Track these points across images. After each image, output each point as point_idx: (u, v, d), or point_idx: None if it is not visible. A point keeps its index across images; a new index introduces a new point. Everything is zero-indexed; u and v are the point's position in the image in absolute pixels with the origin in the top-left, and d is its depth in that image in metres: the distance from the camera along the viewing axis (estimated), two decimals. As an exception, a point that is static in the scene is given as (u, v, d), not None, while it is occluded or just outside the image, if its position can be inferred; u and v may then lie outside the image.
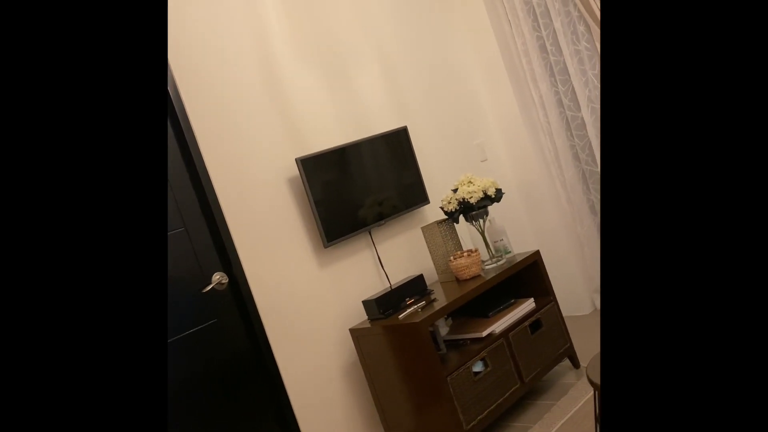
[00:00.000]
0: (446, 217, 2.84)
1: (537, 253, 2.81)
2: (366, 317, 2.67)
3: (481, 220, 2.77)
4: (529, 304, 2.72)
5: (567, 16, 3.20)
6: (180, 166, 2.42)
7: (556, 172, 3.48)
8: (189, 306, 2.34)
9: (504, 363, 2.53)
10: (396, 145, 2.95)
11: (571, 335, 3.27)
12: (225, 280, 2.43)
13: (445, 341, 2.67)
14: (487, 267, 2.79)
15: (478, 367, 2.45)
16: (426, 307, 2.46)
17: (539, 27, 3.33)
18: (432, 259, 2.83)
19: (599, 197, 3.42)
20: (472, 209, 2.73)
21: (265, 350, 2.46)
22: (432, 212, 3.18)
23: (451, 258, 2.70)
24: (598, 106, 3.24)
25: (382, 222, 2.82)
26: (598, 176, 3.38)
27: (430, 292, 2.66)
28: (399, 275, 2.94)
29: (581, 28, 3.16)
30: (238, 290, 2.45)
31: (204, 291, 2.39)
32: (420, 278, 2.66)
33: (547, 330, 2.74)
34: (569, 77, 3.31)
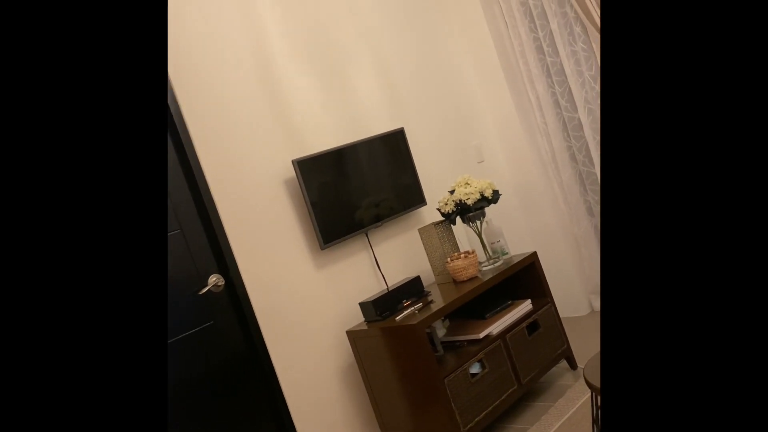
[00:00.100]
0: (443, 218, 2.84)
1: (534, 255, 2.81)
2: (363, 319, 2.67)
3: (478, 222, 2.77)
4: (526, 306, 2.72)
5: (564, 18, 3.20)
6: (176, 168, 2.42)
7: (553, 173, 3.48)
8: (185, 308, 2.33)
9: (501, 364, 2.53)
10: (393, 147, 2.95)
11: (569, 336, 3.27)
12: (221, 282, 2.42)
13: (442, 343, 2.66)
14: (484, 268, 2.79)
15: (475, 369, 2.45)
16: (423, 308, 2.46)
17: (536, 28, 3.33)
18: (429, 260, 2.83)
19: (596, 198, 3.42)
20: (469, 211, 2.73)
21: (262, 352, 2.46)
22: (429, 214, 3.18)
23: (448, 259, 2.70)
24: (594, 107, 3.24)
25: (379, 224, 2.81)
26: (595, 177, 3.38)
27: (427, 294, 2.66)
28: (396, 277, 2.94)
29: (578, 29, 3.17)
30: (235, 292, 2.44)
31: (200, 293, 2.38)
32: (417, 280, 2.66)
33: (545, 331, 2.73)
34: (566, 78, 3.31)
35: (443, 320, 2.81)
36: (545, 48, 3.31)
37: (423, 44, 3.41)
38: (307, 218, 2.69)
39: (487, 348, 2.50)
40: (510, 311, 2.66)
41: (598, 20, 2.99)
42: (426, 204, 3.05)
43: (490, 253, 2.86)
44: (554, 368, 2.92)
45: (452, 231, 2.84)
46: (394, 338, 2.38)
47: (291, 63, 2.80)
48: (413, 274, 3.00)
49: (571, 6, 3.14)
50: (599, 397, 1.96)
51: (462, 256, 2.70)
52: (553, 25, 3.20)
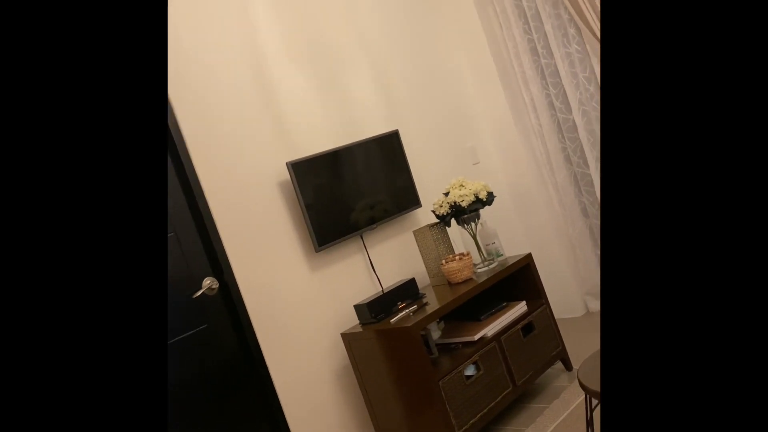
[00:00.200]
0: (438, 220, 2.84)
1: (529, 256, 2.81)
2: (358, 321, 2.67)
3: (472, 224, 2.77)
4: (521, 307, 2.72)
5: (557, 19, 3.21)
6: (170, 171, 2.41)
7: (548, 174, 3.49)
8: (179, 311, 2.33)
9: (496, 366, 2.53)
10: (387, 149, 2.95)
11: (564, 338, 3.27)
12: (215, 285, 2.41)
13: (437, 345, 2.66)
14: (479, 270, 2.79)
15: (470, 371, 2.45)
16: (418, 311, 2.46)
17: (530, 30, 3.34)
18: (424, 262, 2.83)
19: (591, 199, 3.42)
20: (464, 213, 2.73)
21: (257, 355, 2.45)
22: (424, 216, 3.18)
23: (443, 261, 2.70)
24: (589, 108, 3.24)
25: (374, 226, 2.81)
26: (590, 179, 3.39)
27: (422, 296, 2.66)
28: (391, 279, 2.94)
29: (572, 30, 3.17)
30: (229, 295, 2.44)
31: (194, 296, 2.38)
32: (412, 282, 2.66)
33: (540, 333, 2.74)
34: (560, 80, 3.31)
35: (438, 322, 2.81)
36: (539, 49, 3.32)
37: (418, 46, 3.41)
38: (302, 220, 2.69)
39: (482, 350, 2.50)
40: (505, 313, 2.66)
41: (591, 22, 2.99)
42: (421, 206, 3.05)
43: (485, 255, 2.86)
44: (549, 370, 2.92)
45: (447, 233, 2.84)
46: (389, 340, 2.38)
47: (285, 64, 2.80)
48: (408, 276, 3.00)
49: (565, 8, 3.15)
50: (594, 399, 1.97)
51: (457, 258, 2.70)
52: (548, 27, 3.20)
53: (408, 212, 3.00)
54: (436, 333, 2.73)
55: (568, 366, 2.84)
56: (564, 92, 3.33)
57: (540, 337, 2.73)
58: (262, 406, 2.47)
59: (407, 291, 2.63)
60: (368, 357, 2.49)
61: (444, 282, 2.78)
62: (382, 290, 2.61)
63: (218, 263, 2.42)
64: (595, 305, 3.48)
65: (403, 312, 2.47)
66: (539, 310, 2.77)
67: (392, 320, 2.43)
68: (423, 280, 3.07)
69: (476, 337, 2.52)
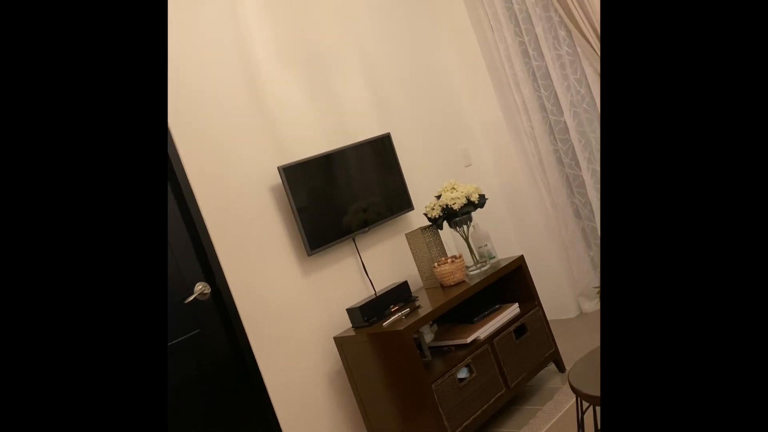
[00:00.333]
0: (430, 223, 2.84)
1: (521, 258, 2.81)
2: (350, 325, 2.67)
3: (465, 226, 2.78)
4: (513, 310, 2.72)
5: (548, 21, 3.22)
6: (161, 176, 2.41)
7: (540, 176, 3.49)
8: (171, 317, 2.32)
9: (489, 369, 2.53)
10: (379, 152, 2.95)
11: (557, 339, 3.28)
12: (207, 290, 2.41)
13: (430, 348, 2.66)
14: (471, 273, 2.79)
15: (463, 374, 2.45)
16: (410, 314, 2.46)
17: (521, 32, 3.35)
18: (416, 265, 2.83)
19: (583, 201, 3.43)
20: (456, 215, 2.73)
21: (249, 360, 2.45)
22: (416, 218, 3.18)
23: (436, 264, 2.70)
24: (580, 110, 3.25)
25: (366, 229, 2.81)
26: (582, 180, 3.40)
27: (414, 299, 2.66)
28: (383, 282, 2.94)
29: (562, 32, 3.18)
30: (221, 300, 2.44)
31: (186, 302, 2.37)
32: (404, 285, 2.66)
33: (532, 335, 2.74)
34: (551, 82, 3.32)
35: (431, 325, 2.81)
36: (531, 52, 3.33)
37: (409, 49, 3.42)
38: (294, 224, 2.69)
39: (475, 352, 2.50)
40: (497, 315, 2.67)
41: (582, 24, 3.00)
42: (413, 209, 3.05)
43: (477, 257, 2.87)
44: (542, 371, 2.93)
45: (439, 236, 2.84)
46: (382, 344, 2.38)
47: (277, 68, 2.80)
48: (401, 280, 3.01)
49: (555, 10, 3.16)
50: (585, 402, 1.97)
51: (449, 260, 2.71)
52: (538, 29, 3.21)
53: (400, 215, 3.00)
54: (429, 336, 2.73)
55: (561, 367, 2.85)
56: (555, 94, 3.34)
57: (533, 338, 2.74)
58: (255, 410, 2.47)
59: (400, 294, 2.63)
60: (361, 360, 2.49)
61: (436, 285, 2.78)
62: (375, 293, 2.62)
63: (210, 268, 2.42)
64: (588, 306, 3.49)
65: (396, 315, 2.48)
66: (532, 311, 2.77)
67: (384, 324, 2.43)
68: (416, 283, 3.07)
69: (469, 339, 2.52)
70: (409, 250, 3.09)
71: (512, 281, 2.87)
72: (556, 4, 3.07)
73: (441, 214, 2.75)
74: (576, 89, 3.23)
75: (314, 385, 2.60)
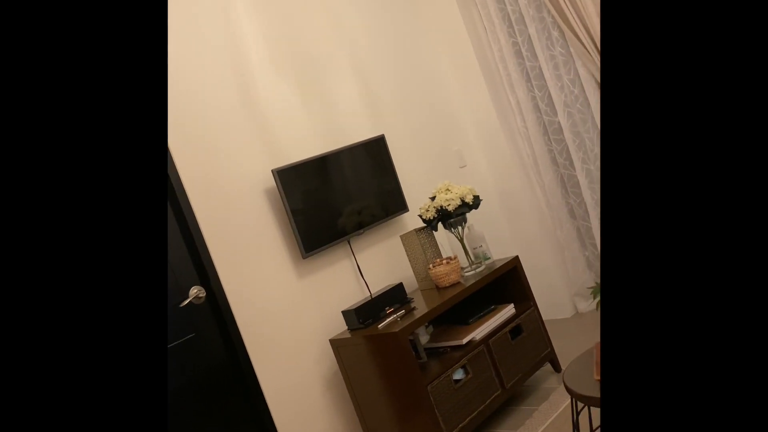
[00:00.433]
0: (425, 225, 2.84)
1: (516, 259, 2.82)
2: (346, 327, 2.67)
3: (459, 227, 2.78)
4: (509, 310, 2.73)
5: (541, 22, 3.23)
6: (154, 180, 2.40)
7: (535, 176, 3.50)
8: (167, 321, 2.32)
9: (485, 370, 2.53)
10: (374, 154, 2.95)
11: (552, 339, 3.28)
12: (202, 293, 2.41)
13: (425, 349, 2.66)
14: (466, 274, 2.80)
15: (458, 375, 2.45)
16: (406, 315, 2.46)
17: (514, 33, 3.35)
18: (411, 267, 2.83)
19: (578, 201, 3.44)
20: (451, 217, 2.74)
21: (245, 363, 2.45)
22: (411, 220, 3.19)
23: (431, 266, 2.71)
24: (573, 110, 3.26)
25: (361, 231, 2.82)
26: (576, 180, 3.41)
27: (409, 301, 2.66)
28: (379, 284, 2.94)
29: (555, 33, 3.19)
30: (216, 304, 2.43)
31: (181, 305, 2.37)
32: (400, 287, 2.66)
33: (528, 335, 2.75)
34: (545, 82, 3.33)
35: (426, 326, 2.81)
36: (524, 53, 3.33)
37: (402, 51, 3.42)
38: (289, 227, 2.69)
39: (471, 353, 2.50)
40: (493, 316, 2.67)
41: (574, 25, 3.01)
42: (408, 210, 3.05)
43: (473, 259, 2.87)
44: (538, 372, 2.93)
45: (434, 237, 2.84)
46: (377, 346, 2.38)
47: (269, 73, 2.80)
48: (396, 281, 3.01)
49: (548, 11, 3.17)
50: (579, 402, 1.97)
51: (444, 262, 2.71)
52: (531, 30, 3.22)
53: (395, 217, 3.00)
54: (424, 337, 2.73)
55: (557, 367, 2.85)
56: (549, 95, 3.35)
57: (528, 339, 2.74)
58: (251, 413, 2.46)
59: (395, 296, 2.63)
60: (357, 363, 2.49)
61: (432, 286, 2.78)
62: (370, 295, 2.62)
63: (205, 272, 2.42)
64: (584, 306, 3.50)
65: (391, 317, 2.48)
66: (527, 312, 2.77)
67: (380, 326, 2.43)
68: (411, 284, 3.07)
69: (464, 340, 2.53)
70: (404, 252, 3.09)
71: (507, 282, 2.88)
72: (549, 5, 3.07)
73: (436, 216, 2.75)
74: (570, 89, 3.24)
75: (310, 388, 2.60)
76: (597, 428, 1.94)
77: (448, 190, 2.75)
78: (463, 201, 2.73)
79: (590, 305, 3.48)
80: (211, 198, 2.48)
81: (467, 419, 2.41)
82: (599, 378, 1.64)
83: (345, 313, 2.53)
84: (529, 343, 2.74)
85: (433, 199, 2.80)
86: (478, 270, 2.78)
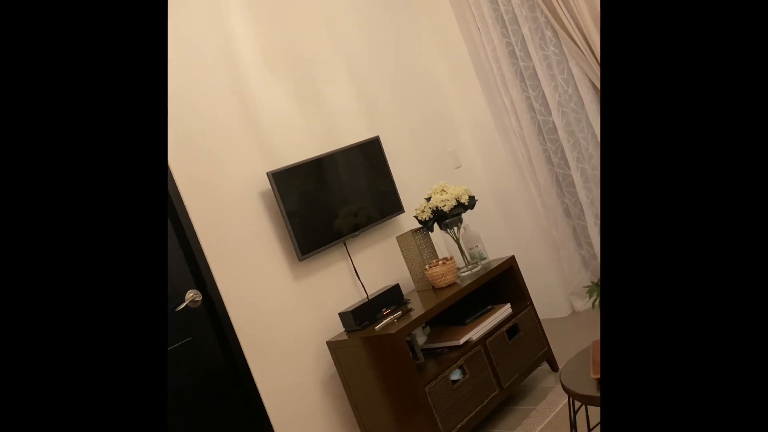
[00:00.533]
0: (421, 225, 2.84)
1: (512, 259, 2.82)
2: (343, 329, 2.67)
3: (455, 228, 2.78)
4: (505, 310, 2.73)
5: (534, 22, 3.23)
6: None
7: (530, 176, 3.51)
8: (162, 325, 2.31)
9: (482, 370, 2.54)
10: (369, 156, 2.95)
11: (549, 338, 3.29)
12: (199, 297, 2.40)
13: (422, 350, 2.67)
14: (462, 274, 2.80)
15: (456, 375, 2.46)
16: (402, 317, 2.46)
17: (508, 33, 3.36)
18: (408, 268, 2.83)
19: (573, 200, 3.45)
20: (446, 217, 2.74)
21: (242, 367, 2.44)
22: (407, 221, 3.19)
23: (427, 266, 2.71)
24: (568, 109, 3.27)
25: (357, 233, 2.82)
26: (571, 179, 3.41)
27: (406, 302, 2.66)
28: (375, 286, 2.94)
29: (549, 33, 3.20)
30: (213, 307, 2.43)
31: (177, 309, 2.37)
32: (396, 288, 2.66)
33: (525, 335, 2.75)
34: (539, 82, 3.34)
35: (423, 327, 2.81)
36: (518, 53, 3.34)
37: (396, 52, 3.43)
38: (285, 230, 2.68)
39: (468, 354, 2.51)
40: (490, 316, 2.67)
41: (567, 24, 3.02)
42: (404, 211, 3.06)
43: (469, 259, 2.87)
44: (535, 371, 2.93)
45: (430, 238, 2.84)
46: (375, 347, 2.38)
47: (263, 75, 2.80)
48: (392, 282, 3.01)
49: (541, 11, 3.17)
50: (577, 402, 1.98)
51: (440, 262, 2.71)
52: (525, 30, 3.22)
53: (391, 218, 3.00)
54: (421, 338, 2.73)
55: (554, 367, 2.86)
56: (543, 94, 3.35)
57: (525, 338, 2.75)
58: (249, 416, 2.46)
59: (392, 297, 2.63)
60: (354, 364, 2.49)
61: (428, 287, 2.79)
62: (367, 297, 2.62)
63: (201, 275, 2.41)
64: (580, 305, 3.50)
65: (388, 318, 2.48)
66: (524, 311, 2.78)
67: (377, 327, 2.43)
68: (407, 285, 3.07)
69: (461, 341, 2.53)
70: (401, 253, 3.09)
71: (504, 282, 2.88)
72: (542, 5, 3.08)
73: (431, 217, 2.76)
74: (563, 89, 3.25)
75: (308, 390, 2.60)
76: (594, 427, 1.94)
77: (443, 190, 2.76)
78: (458, 201, 2.73)
79: (586, 304, 3.49)
80: (207, 202, 2.48)
81: (465, 419, 2.41)
82: (596, 377, 1.65)
83: (342, 315, 2.53)
84: (525, 342, 2.74)
85: (428, 199, 2.80)
86: (474, 270, 2.79)
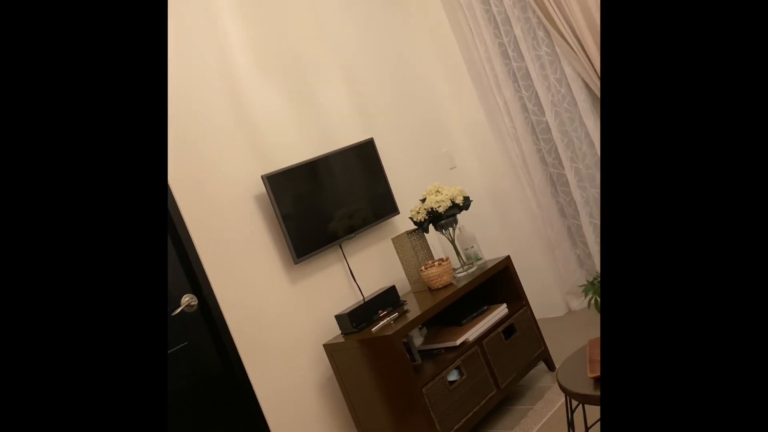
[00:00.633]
0: (416, 227, 2.85)
1: (507, 259, 2.83)
2: (340, 331, 2.66)
3: (450, 229, 2.78)
4: (501, 310, 2.73)
5: (527, 23, 3.24)
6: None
7: (524, 176, 3.51)
8: (158, 330, 2.31)
9: (479, 370, 2.54)
10: (363, 157, 2.96)
11: (546, 338, 3.29)
12: (194, 301, 2.40)
13: (419, 351, 2.67)
14: (458, 275, 2.80)
15: (453, 376, 2.46)
16: (399, 318, 2.46)
17: (500, 34, 3.37)
18: (404, 269, 2.83)
19: (567, 199, 3.46)
20: (441, 218, 2.74)
21: (239, 371, 2.44)
22: (402, 222, 3.19)
23: (423, 268, 2.71)
24: (561, 109, 3.28)
25: (353, 235, 2.81)
26: (566, 179, 3.42)
27: (402, 303, 2.66)
28: (372, 287, 2.94)
29: (541, 33, 3.20)
30: (209, 311, 2.43)
31: (173, 314, 2.36)
32: (392, 289, 2.66)
33: (521, 335, 2.75)
34: (532, 82, 3.35)
35: (420, 328, 2.81)
36: (510, 53, 3.35)
37: (390, 54, 3.43)
38: (280, 233, 2.68)
39: (465, 354, 2.51)
40: (486, 316, 2.68)
41: (559, 24, 3.03)
42: (399, 213, 3.06)
43: (464, 259, 2.88)
44: (532, 371, 2.94)
45: (425, 239, 2.85)
46: (371, 350, 2.38)
47: (257, 77, 2.80)
48: (389, 284, 3.01)
49: (533, 11, 3.18)
50: (574, 401, 1.98)
51: (436, 263, 2.71)
52: (517, 31, 3.23)
53: (386, 220, 3.00)
54: (418, 339, 2.73)
55: (551, 366, 2.86)
56: (536, 94, 3.36)
57: (522, 338, 2.75)
58: (246, 420, 2.46)
59: (388, 299, 2.63)
60: (351, 367, 2.49)
61: (424, 288, 2.79)
62: (363, 299, 2.62)
63: (196, 280, 2.41)
64: (576, 304, 3.51)
65: (385, 320, 2.48)
66: (520, 311, 2.78)
67: (373, 329, 2.43)
68: (404, 287, 3.07)
69: (458, 341, 2.53)
70: (396, 255, 3.09)
71: (499, 282, 2.88)
72: (534, 6, 3.09)
73: (426, 218, 2.76)
74: (556, 89, 3.26)
75: (305, 393, 2.60)
76: (592, 426, 1.95)
77: (438, 191, 2.76)
78: (453, 202, 2.74)
79: (582, 303, 3.50)
80: (202, 206, 2.47)
81: (463, 420, 2.41)
82: (593, 375, 1.65)
83: (338, 318, 2.53)
84: (522, 342, 2.75)
85: (423, 201, 2.81)
86: (470, 271, 2.79)
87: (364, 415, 2.53)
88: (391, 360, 2.33)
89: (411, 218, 2.82)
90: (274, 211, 2.57)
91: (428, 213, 2.75)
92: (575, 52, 3.05)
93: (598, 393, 1.59)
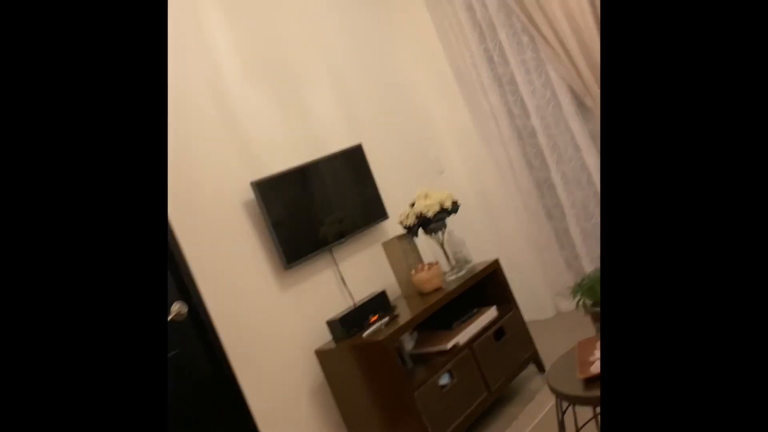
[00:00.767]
0: (406, 231, 2.86)
1: (496, 262, 2.85)
2: (331, 337, 2.67)
3: (439, 233, 2.80)
4: (491, 313, 2.75)
5: (511, 28, 3.28)
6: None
7: (512, 179, 3.54)
8: (149, 339, 2.30)
9: (470, 373, 2.55)
10: (352, 163, 2.97)
11: (535, 339, 3.31)
12: (184, 309, 2.39)
13: (411, 356, 2.68)
14: (448, 278, 2.82)
15: (444, 380, 2.47)
16: (390, 323, 2.47)
17: (486, 39, 3.40)
18: (394, 274, 2.84)
19: (554, 202, 3.49)
20: (430, 222, 2.76)
21: (230, 378, 2.43)
22: (392, 227, 3.20)
23: (413, 272, 2.72)
24: (546, 113, 3.31)
25: (343, 240, 2.82)
26: (552, 182, 3.45)
27: (393, 308, 2.67)
28: (362, 292, 2.95)
29: (525, 38, 3.24)
30: (199, 319, 2.42)
31: (163, 322, 2.35)
32: (383, 294, 2.67)
33: (511, 337, 2.77)
34: (517, 87, 3.38)
35: (411, 332, 2.82)
36: (496, 58, 3.38)
37: (377, 60, 3.45)
38: (270, 239, 2.68)
39: (456, 358, 2.52)
40: (476, 319, 2.69)
41: (544, 29, 3.06)
42: (388, 218, 3.07)
43: (454, 263, 2.89)
44: (523, 373, 2.96)
45: (415, 243, 2.86)
46: (363, 355, 2.39)
47: (245, 84, 2.80)
48: (379, 289, 3.02)
49: (518, 16, 3.22)
50: (564, 402, 2.00)
51: (426, 267, 2.73)
52: (502, 36, 3.26)
53: (376, 225, 3.01)
54: (409, 343, 2.74)
55: (541, 368, 2.88)
56: (522, 99, 3.39)
57: (512, 341, 2.77)
58: (238, 427, 2.45)
59: (378, 304, 2.64)
60: (343, 372, 2.49)
61: (415, 292, 2.80)
62: (354, 304, 2.62)
63: (186, 287, 2.40)
64: (565, 306, 3.54)
65: (375, 325, 2.49)
66: (510, 314, 2.80)
67: (364, 334, 2.44)
68: (394, 291, 3.08)
69: (449, 345, 2.54)
70: (386, 259, 3.10)
71: (489, 285, 2.90)
72: (518, 11, 3.12)
73: (416, 222, 2.77)
74: (541, 93, 3.29)
75: (297, 400, 2.59)
76: (582, 427, 1.96)
77: (426, 196, 2.78)
78: (442, 207, 2.75)
79: (571, 305, 3.53)
80: (190, 213, 2.47)
81: (455, 424, 2.42)
82: (583, 376, 1.67)
83: (330, 323, 2.53)
84: (512, 344, 2.76)
85: (412, 205, 2.82)
86: (459, 274, 2.81)
87: (356, 420, 2.54)
88: (383, 365, 2.34)
89: (400, 223, 2.84)
90: (264, 217, 2.57)
91: (417, 217, 2.77)
92: (559, 56, 3.08)
93: (588, 394, 1.61)
